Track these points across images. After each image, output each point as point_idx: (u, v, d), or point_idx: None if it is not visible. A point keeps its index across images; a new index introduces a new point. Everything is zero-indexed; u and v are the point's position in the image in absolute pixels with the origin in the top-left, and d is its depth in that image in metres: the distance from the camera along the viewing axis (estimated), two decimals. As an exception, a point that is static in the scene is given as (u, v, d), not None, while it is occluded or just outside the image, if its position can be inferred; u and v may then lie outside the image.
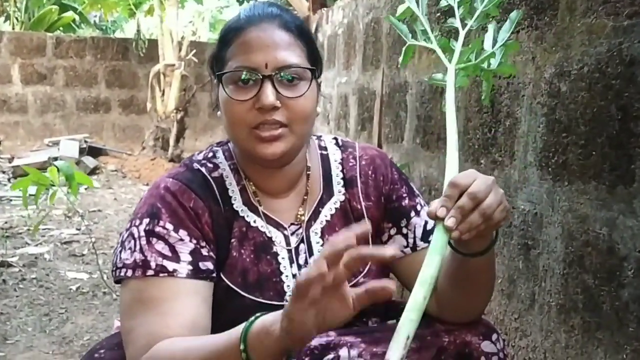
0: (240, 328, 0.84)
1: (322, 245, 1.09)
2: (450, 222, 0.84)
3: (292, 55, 1.01)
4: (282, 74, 0.99)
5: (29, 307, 2.67)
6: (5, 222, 4.23)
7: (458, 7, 1.07)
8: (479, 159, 1.81)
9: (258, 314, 0.85)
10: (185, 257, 0.99)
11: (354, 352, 1.02)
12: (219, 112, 1.06)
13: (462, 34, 1.04)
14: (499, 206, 0.87)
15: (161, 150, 7.10)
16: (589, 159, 1.29)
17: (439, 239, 0.86)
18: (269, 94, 0.98)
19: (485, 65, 1.04)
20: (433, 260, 0.86)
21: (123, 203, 5.18)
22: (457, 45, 1.04)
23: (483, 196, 0.85)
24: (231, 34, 1.02)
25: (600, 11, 1.25)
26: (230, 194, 1.07)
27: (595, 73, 1.27)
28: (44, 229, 4.05)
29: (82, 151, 6.85)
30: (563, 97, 1.39)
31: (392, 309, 1.19)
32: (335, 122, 3.99)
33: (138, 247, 0.98)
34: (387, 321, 1.15)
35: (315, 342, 1.04)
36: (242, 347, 0.82)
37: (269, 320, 0.83)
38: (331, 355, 1.02)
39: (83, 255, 3.54)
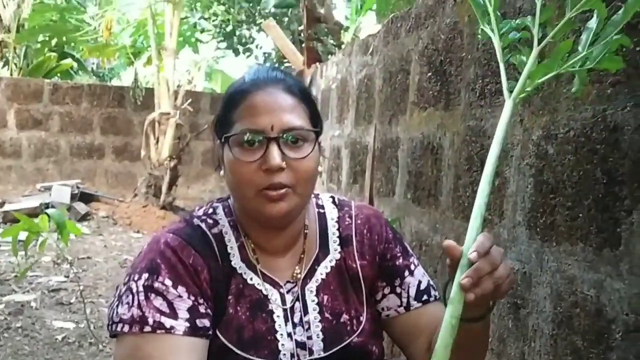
0: None
1: (317, 304, 1.10)
2: (465, 281, 0.85)
3: (297, 117, 1.04)
4: (287, 136, 1.02)
5: (12, 358, 2.63)
6: (-7, 268, 4.20)
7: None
8: (468, 216, 1.82)
9: None
10: (183, 314, 0.99)
11: None
12: (221, 172, 1.08)
13: (535, 50, 0.93)
14: (508, 277, 0.89)
15: (153, 197, 7.09)
16: (576, 221, 1.32)
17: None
18: (275, 156, 1.00)
19: (579, 65, 0.92)
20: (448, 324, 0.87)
21: (113, 250, 5.15)
22: (523, 75, 0.94)
23: (498, 264, 0.87)
24: (237, 97, 1.05)
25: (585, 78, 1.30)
26: (229, 251, 1.08)
27: (581, 137, 1.31)
28: (32, 276, 4.01)
29: (73, 197, 6.84)
30: (550, 159, 1.42)
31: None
32: (328, 174, 4.03)
33: (136, 302, 0.98)
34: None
35: None
36: None
37: None
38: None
39: (70, 303, 3.50)
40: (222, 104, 1.08)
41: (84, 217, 6.49)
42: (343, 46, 5.28)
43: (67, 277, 4.04)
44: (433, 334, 1.08)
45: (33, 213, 5.07)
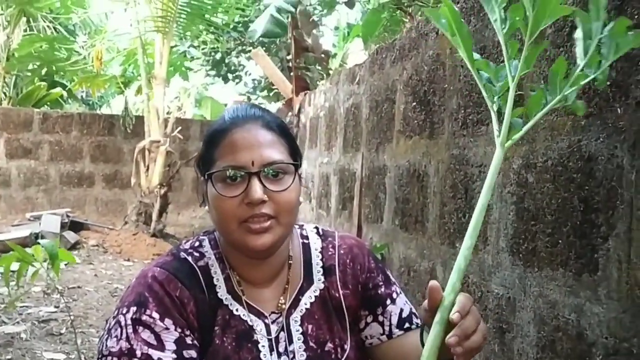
0: None
1: (301, 334, 1.13)
2: (452, 340, 0.86)
3: (276, 152, 1.08)
4: (267, 170, 1.06)
5: (3, 390, 2.62)
6: (-16, 299, 4.17)
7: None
8: (454, 242, 1.87)
9: None
10: (170, 345, 1.01)
11: None
12: (206, 207, 1.12)
13: (510, 96, 0.92)
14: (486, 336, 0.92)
15: (144, 225, 7.08)
16: (556, 247, 1.36)
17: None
18: (257, 189, 1.04)
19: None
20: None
21: (103, 279, 5.13)
22: (505, 121, 0.92)
23: (479, 320, 0.90)
24: (218, 136, 1.09)
25: (560, 110, 1.36)
26: (215, 282, 1.11)
27: (558, 166, 1.36)
28: (22, 307, 3.99)
29: (63, 226, 6.82)
30: (530, 187, 1.47)
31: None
32: (317, 200, 4.07)
33: (125, 335, 1.01)
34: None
35: None
36: None
37: None
38: None
39: (61, 334, 3.48)
40: (204, 143, 1.13)
41: (74, 246, 6.47)
42: (331, 73, 5.37)
43: (58, 307, 4.02)
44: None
45: (23, 243, 5.05)
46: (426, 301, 0.91)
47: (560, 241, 1.35)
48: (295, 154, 1.13)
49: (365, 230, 2.90)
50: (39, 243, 2.88)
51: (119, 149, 8.57)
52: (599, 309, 1.21)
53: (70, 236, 6.66)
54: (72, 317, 3.34)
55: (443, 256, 1.95)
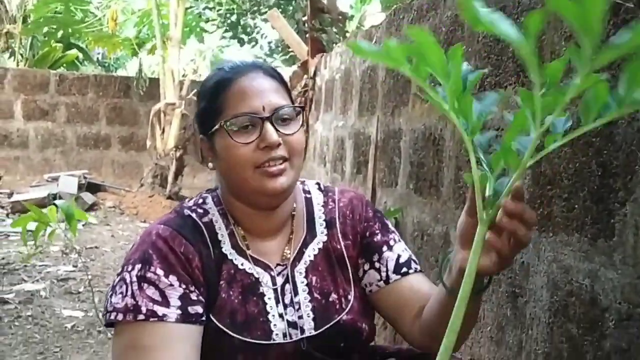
0: None
1: (306, 285, 1.14)
2: (510, 204, 0.78)
3: (281, 98, 1.11)
4: (278, 114, 1.08)
5: (23, 345, 2.68)
6: (2, 258, 4.25)
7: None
8: (469, 207, 1.86)
9: None
10: (175, 302, 1.03)
11: None
12: (210, 164, 1.13)
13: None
14: (531, 230, 0.84)
15: (159, 187, 7.14)
16: (572, 212, 1.35)
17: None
18: (272, 133, 1.07)
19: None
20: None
21: (120, 240, 5.21)
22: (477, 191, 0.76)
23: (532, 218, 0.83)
24: (222, 86, 1.10)
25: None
26: (220, 238, 1.13)
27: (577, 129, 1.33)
28: (41, 266, 4.07)
29: (80, 187, 6.90)
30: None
31: (376, 352, 1.23)
32: (332, 164, 4.06)
33: (130, 292, 1.03)
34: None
35: None
36: None
37: None
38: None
39: (79, 292, 3.55)
40: (204, 97, 1.13)
41: (91, 207, 6.56)
42: (347, 35, 5.29)
43: (76, 266, 4.09)
44: (417, 304, 1.12)
45: (41, 203, 5.13)
46: (467, 204, 0.88)
47: (576, 206, 1.33)
48: (292, 101, 1.17)
49: (379, 194, 2.90)
50: (55, 204, 2.92)
51: (135, 111, 8.59)
52: (614, 275, 1.20)
53: (88, 197, 6.74)
54: (89, 277, 3.40)
55: (457, 220, 1.94)
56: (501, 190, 0.78)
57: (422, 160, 2.29)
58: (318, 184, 1.28)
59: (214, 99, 1.11)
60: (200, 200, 1.18)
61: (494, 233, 0.81)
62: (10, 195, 6.70)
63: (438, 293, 1.02)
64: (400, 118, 2.59)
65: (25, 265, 4.03)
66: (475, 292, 0.94)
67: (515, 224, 0.79)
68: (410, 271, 1.19)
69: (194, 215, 1.14)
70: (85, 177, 7.25)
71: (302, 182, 1.27)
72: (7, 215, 5.97)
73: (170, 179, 7.11)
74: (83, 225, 5.36)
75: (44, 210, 2.88)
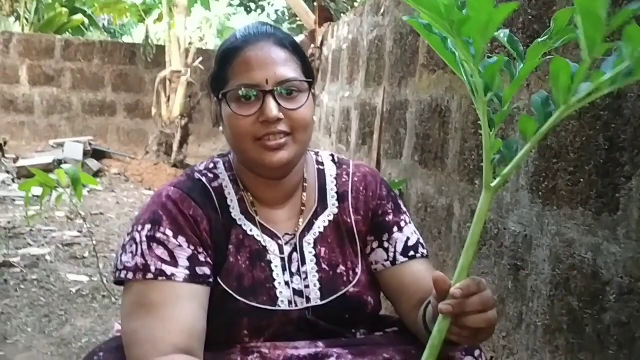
0: None
1: (314, 255, 1.15)
2: (445, 307, 0.83)
3: (289, 70, 1.07)
4: (282, 88, 1.06)
5: (29, 308, 2.71)
6: (9, 222, 4.28)
7: None
8: (473, 179, 1.85)
9: None
10: (183, 262, 1.04)
11: None
12: (220, 128, 1.13)
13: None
14: (492, 325, 0.88)
15: (164, 155, 7.15)
16: (577, 186, 1.34)
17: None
18: (272, 108, 1.04)
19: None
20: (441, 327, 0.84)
21: (125, 207, 5.23)
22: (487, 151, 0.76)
23: (490, 306, 0.87)
24: (230, 54, 1.08)
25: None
26: (229, 203, 1.13)
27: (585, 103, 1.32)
28: (46, 230, 4.10)
29: (86, 154, 6.91)
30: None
31: (380, 322, 1.24)
32: (337, 135, 4.04)
33: (140, 251, 1.03)
34: (375, 333, 1.20)
35: (304, 352, 1.08)
36: None
37: None
38: (319, 365, 1.06)
39: (84, 257, 3.58)
40: (216, 62, 1.12)
41: (96, 174, 6.57)
42: (356, 4, 5.23)
43: (81, 232, 4.12)
44: (418, 291, 1.12)
45: (46, 169, 5.14)
46: (434, 291, 0.88)
47: (581, 180, 1.32)
48: (309, 72, 1.12)
49: (384, 165, 2.89)
50: (62, 169, 2.93)
51: (141, 78, 8.56)
52: (617, 249, 1.20)
53: (93, 164, 6.76)
54: (94, 242, 3.42)
55: (461, 193, 1.94)
56: (510, 155, 0.78)
57: (428, 132, 2.28)
58: (332, 155, 1.26)
59: (222, 67, 1.10)
60: (212, 165, 1.18)
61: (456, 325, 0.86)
62: (15, 160, 6.72)
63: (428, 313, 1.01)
64: (407, 89, 2.57)
65: (31, 230, 4.06)
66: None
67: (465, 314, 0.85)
68: (418, 255, 1.19)
69: (204, 179, 1.14)
70: (90, 144, 7.26)
71: (316, 153, 1.25)
72: (13, 180, 5.99)
73: (175, 147, 7.11)
74: (88, 191, 5.38)
75: (51, 175, 2.88)
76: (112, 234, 4.19)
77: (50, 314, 2.66)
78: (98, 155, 7.29)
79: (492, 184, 0.79)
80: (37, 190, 2.90)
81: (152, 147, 7.25)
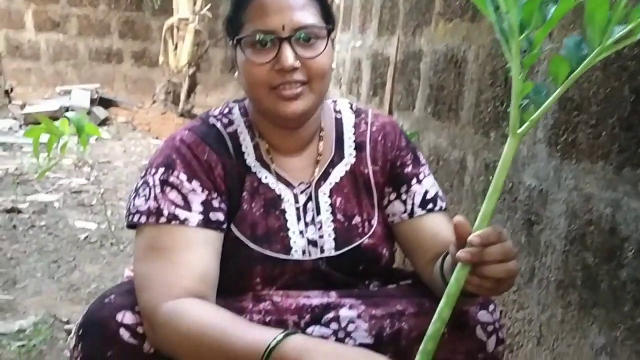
0: (265, 341, 0.85)
1: (329, 205, 1.12)
2: (464, 255, 0.82)
3: (308, 15, 1.02)
4: (299, 34, 1.01)
5: (38, 253, 2.73)
6: (16, 169, 4.29)
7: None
8: (488, 132, 1.81)
9: (289, 332, 0.87)
10: (197, 207, 1.02)
11: (353, 313, 1.05)
12: (236, 73, 1.08)
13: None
14: (513, 276, 0.86)
15: (172, 104, 7.10)
16: (598, 139, 1.30)
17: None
18: (288, 56, 1.00)
19: None
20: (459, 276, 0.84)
21: (132, 155, 5.22)
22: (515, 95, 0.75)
23: (511, 257, 0.85)
24: None
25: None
26: (244, 150, 1.10)
27: (610, 54, 1.27)
28: (54, 178, 4.10)
29: (93, 101, 6.87)
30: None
31: (393, 275, 1.22)
32: (347, 86, 3.98)
33: (152, 195, 1.02)
34: (388, 286, 1.19)
35: (316, 301, 1.07)
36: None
37: (293, 353, 0.83)
38: (331, 315, 1.05)
39: (92, 205, 3.59)
40: (232, 4, 1.06)
41: (103, 122, 6.54)
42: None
43: (88, 179, 4.12)
44: (435, 245, 1.10)
45: (53, 116, 5.11)
46: (454, 239, 0.87)
47: (603, 133, 1.28)
48: (328, 17, 1.07)
49: (395, 117, 2.84)
50: (67, 117, 2.90)
51: (147, 25, 8.41)
52: (638, 204, 1.17)
53: (100, 112, 6.72)
54: (102, 190, 3.42)
55: (475, 146, 1.90)
56: (538, 100, 0.75)
57: (442, 82, 2.22)
58: (350, 104, 1.22)
59: (237, 10, 1.05)
60: (227, 110, 1.14)
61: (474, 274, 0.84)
62: (22, 106, 6.68)
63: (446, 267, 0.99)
64: (422, 38, 2.50)
65: (38, 177, 4.06)
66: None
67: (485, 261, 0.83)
68: (436, 208, 1.16)
69: (218, 124, 1.11)
70: (97, 92, 7.20)
71: (334, 102, 1.21)
72: (20, 126, 5.98)
73: (182, 96, 7.04)
74: (95, 140, 5.36)
75: (56, 122, 2.85)
76: (119, 182, 4.19)
77: (59, 260, 2.68)
78: (105, 103, 7.24)
79: (519, 130, 0.77)
80: (44, 138, 2.87)
81: (160, 96, 7.19)
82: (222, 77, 8.41)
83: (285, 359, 0.82)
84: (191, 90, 7.14)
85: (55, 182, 4.04)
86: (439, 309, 0.84)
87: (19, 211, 3.31)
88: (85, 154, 3.15)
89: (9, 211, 3.29)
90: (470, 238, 0.82)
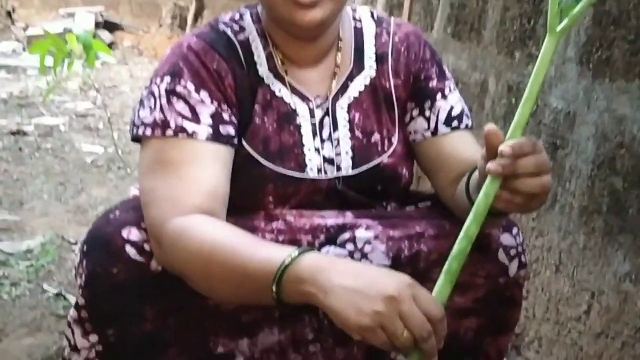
0: (279, 258, 0.79)
1: (347, 121, 1.05)
2: (492, 165, 0.76)
3: None
4: None
5: (44, 176, 2.69)
6: (21, 91, 4.21)
7: None
8: (513, 52, 1.71)
9: (304, 249, 0.81)
10: (206, 119, 0.95)
11: (370, 234, 1.00)
12: None
13: None
14: (546, 192, 0.80)
15: (178, 28, 6.91)
16: (636, 56, 1.21)
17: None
18: None
19: None
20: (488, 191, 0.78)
21: (139, 80, 5.12)
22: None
23: (546, 169, 0.78)
24: None
25: None
26: (256, 59, 1.02)
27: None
28: (59, 101, 4.03)
29: (97, 25, 6.69)
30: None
31: (411, 197, 1.16)
32: (361, 4, 3.82)
33: (158, 106, 0.95)
34: (406, 207, 1.13)
35: (331, 221, 1.02)
36: (275, 288, 0.79)
37: (308, 272, 0.77)
38: (347, 235, 1.00)
39: (98, 129, 3.54)
40: None
41: (108, 46, 6.38)
42: None
43: (94, 103, 4.05)
44: (459, 165, 1.03)
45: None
46: (484, 149, 0.80)
47: (642, 49, 1.19)
48: None
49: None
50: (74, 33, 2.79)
51: (153, -55, 8.09)
52: (676, 125, 1.09)
53: (105, 36, 6.55)
54: (108, 114, 3.35)
55: (498, 67, 1.80)
56: None
57: (464, 1, 2.10)
58: (372, 12, 1.12)
59: None
60: (238, 16, 1.05)
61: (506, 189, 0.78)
62: (25, 28, 6.52)
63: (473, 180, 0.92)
64: (443, -47, 2.35)
65: (44, 100, 3.98)
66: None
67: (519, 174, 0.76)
68: (461, 126, 1.08)
69: (229, 31, 1.02)
70: (102, 15, 7.00)
71: (354, 10, 1.11)
72: (24, 49, 5.84)
73: (189, 20, 6.85)
74: (101, 64, 5.24)
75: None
76: (126, 107, 4.11)
77: (66, 182, 2.65)
78: (110, 27, 7.05)
79: (558, 27, 0.70)
80: (49, 61, 2.76)
81: (166, 20, 7.00)
82: (229, 1, 8.14)
83: (299, 278, 0.77)
84: (198, 13, 6.93)
85: (61, 105, 3.96)
86: (465, 226, 0.78)
87: (25, 134, 3.26)
88: (91, 77, 3.05)
89: (14, 133, 3.24)
90: (501, 148, 0.76)
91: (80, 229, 2.13)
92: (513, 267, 1.05)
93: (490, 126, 0.78)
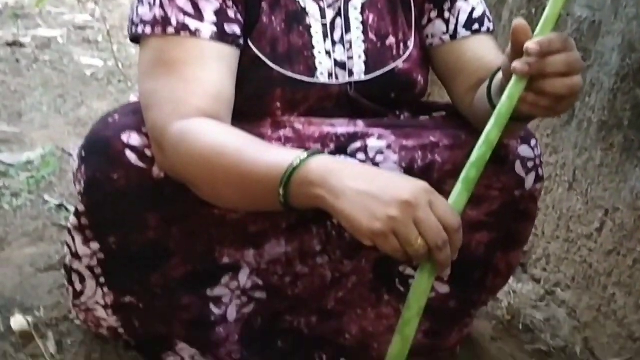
0: (287, 161, 0.74)
1: (361, 22, 0.98)
2: (517, 64, 0.71)
3: None
4: None
5: (43, 88, 2.62)
6: (16, 2, 4.05)
7: None
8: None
9: (314, 151, 0.76)
10: (210, 16, 0.88)
11: (382, 143, 0.95)
12: None
13: None
14: (576, 94, 0.74)
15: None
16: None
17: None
18: None
19: None
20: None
21: (138, -7, 4.94)
22: None
23: (577, 68, 0.72)
24: None
25: None
26: None
27: None
28: (56, 13, 3.88)
29: None
30: None
31: (425, 106, 1.11)
32: None
33: (158, 1, 0.88)
34: (420, 117, 1.08)
35: (341, 130, 0.97)
36: (282, 191, 0.74)
37: (318, 174, 0.72)
38: (358, 144, 0.96)
39: (97, 42, 3.42)
40: None
41: (106, -43, 6.14)
42: None
43: (93, 16, 3.91)
44: (479, 70, 0.97)
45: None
46: (509, 47, 0.73)
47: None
48: None
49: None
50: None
51: None
52: None
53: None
54: (108, 27, 3.23)
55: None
56: None
57: None
58: None
59: None
60: None
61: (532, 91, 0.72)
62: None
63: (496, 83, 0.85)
64: None
65: (40, 11, 3.84)
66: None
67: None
68: (483, 29, 1.01)
69: None
70: None
71: None
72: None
73: None
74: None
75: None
76: (125, 20, 3.95)
77: (65, 95, 2.58)
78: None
79: None
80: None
81: None
82: None
83: (308, 180, 0.72)
84: None
85: (58, 17, 3.83)
86: (485, 131, 0.73)
87: (22, 45, 3.15)
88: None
89: (10, 45, 3.13)
90: (527, 45, 0.70)
91: (81, 141, 2.08)
92: (530, 180, 1.01)
93: (519, 20, 0.72)
